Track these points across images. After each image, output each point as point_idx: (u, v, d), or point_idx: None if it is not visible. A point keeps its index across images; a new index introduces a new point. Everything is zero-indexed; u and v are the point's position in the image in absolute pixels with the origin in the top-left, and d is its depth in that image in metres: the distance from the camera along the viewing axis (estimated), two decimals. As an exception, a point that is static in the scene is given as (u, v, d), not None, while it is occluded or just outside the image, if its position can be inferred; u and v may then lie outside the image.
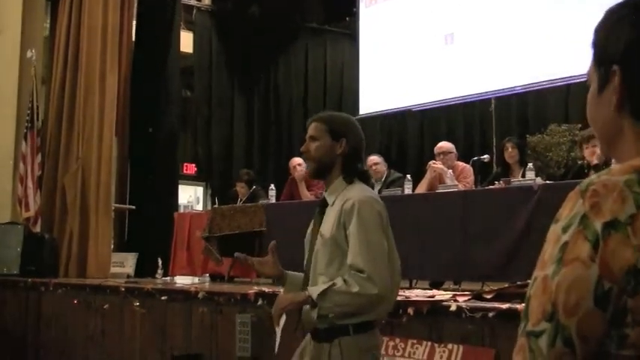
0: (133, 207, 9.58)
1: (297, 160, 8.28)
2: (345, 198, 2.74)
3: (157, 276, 8.45)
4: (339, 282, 2.62)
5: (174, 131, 10.41)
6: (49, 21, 10.09)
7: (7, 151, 9.12)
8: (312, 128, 2.89)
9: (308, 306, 2.68)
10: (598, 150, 5.88)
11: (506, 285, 4.52)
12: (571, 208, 1.05)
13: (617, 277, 0.99)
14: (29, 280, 7.73)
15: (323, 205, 2.87)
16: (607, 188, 1.03)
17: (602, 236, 1.00)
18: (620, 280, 0.99)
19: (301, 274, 2.89)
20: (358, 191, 2.77)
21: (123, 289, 6.59)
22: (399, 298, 4.28)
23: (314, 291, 2.65)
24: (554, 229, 1.05)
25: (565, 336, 1.00)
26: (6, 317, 7.87)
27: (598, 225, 1.01)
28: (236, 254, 2.99)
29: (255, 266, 2.91)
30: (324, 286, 2.63)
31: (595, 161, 5.75)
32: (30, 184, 8.78)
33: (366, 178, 2.93)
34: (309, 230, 2.93)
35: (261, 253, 6.96)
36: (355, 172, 2.86)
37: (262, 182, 9.48)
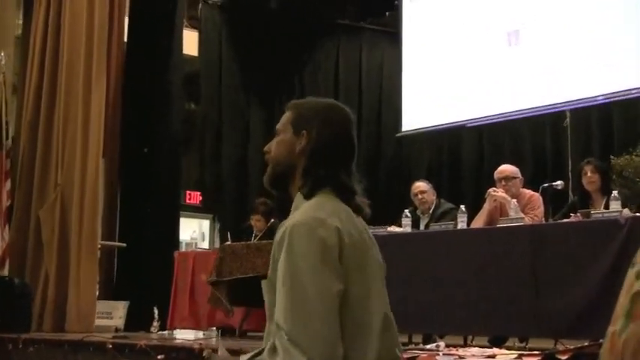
0: (124, 245, 9.59)
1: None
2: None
3: (153, 329, 8.51)
4: (265, 350, 2.32)
5: (175, 152, 10.44)
6: (21, 17, 10.18)
7: (-31, 176, 9.17)
8: (281, 119, 2.60)
9: None
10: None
11: (586, 343, 4.44)
12: None
13: None
14: (-6, 335, 7.74)
15: None
16: None
17: None
18: None
19: None
20: (305, 210, 2.37)
21: (110, 346, 6.55)
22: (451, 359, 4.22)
23: None
24: (629, 275, 1.03)
25: None
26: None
27: None
28: None
29: None
30: (247, 356, 2.39)
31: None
32: (-4, 216, 8.84)
33: (344, 191, 2.46)
34: None
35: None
36: (322, 182, 2.44)
37: (284, 214, 9.44)
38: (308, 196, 2.42)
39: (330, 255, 2.24)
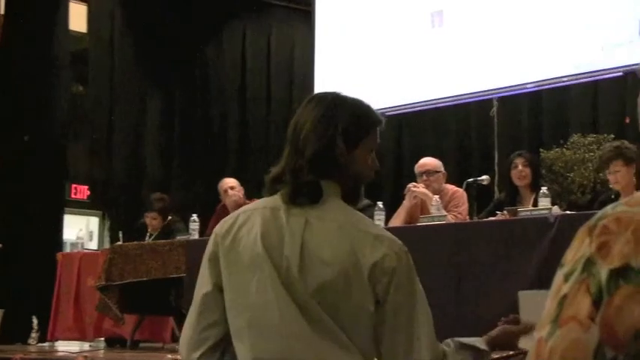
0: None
1: (229, 182, 8.20)
2: None
3: (31, 341, 8.41)
4: None
5: (59, 140, 10.31)
6: None
7: None
8: None
9: None
10: (620, 175, 5.99)
11: (511, 352, 4.47)
12: (577, 249, 1.06)
13: (621, 342, 0.99)
14: None
15: None
16: (620, 224, 1.03)
17: (608, 288, 1.01)
18: (627, 346, 0.99)
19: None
20: None
21: (-19, 361, 6.47)
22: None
23: None
24: (557, 277, 1.08)
25: None
26: None
27: (604, 273, 1.01)
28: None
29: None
30: None
31: (617, 188, 5.91)
32: None
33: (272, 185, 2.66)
34: None
35: (179, 308, 6.93)
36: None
37: (183, 211, 9.39)
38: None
39: (207, 260, 2.53)
